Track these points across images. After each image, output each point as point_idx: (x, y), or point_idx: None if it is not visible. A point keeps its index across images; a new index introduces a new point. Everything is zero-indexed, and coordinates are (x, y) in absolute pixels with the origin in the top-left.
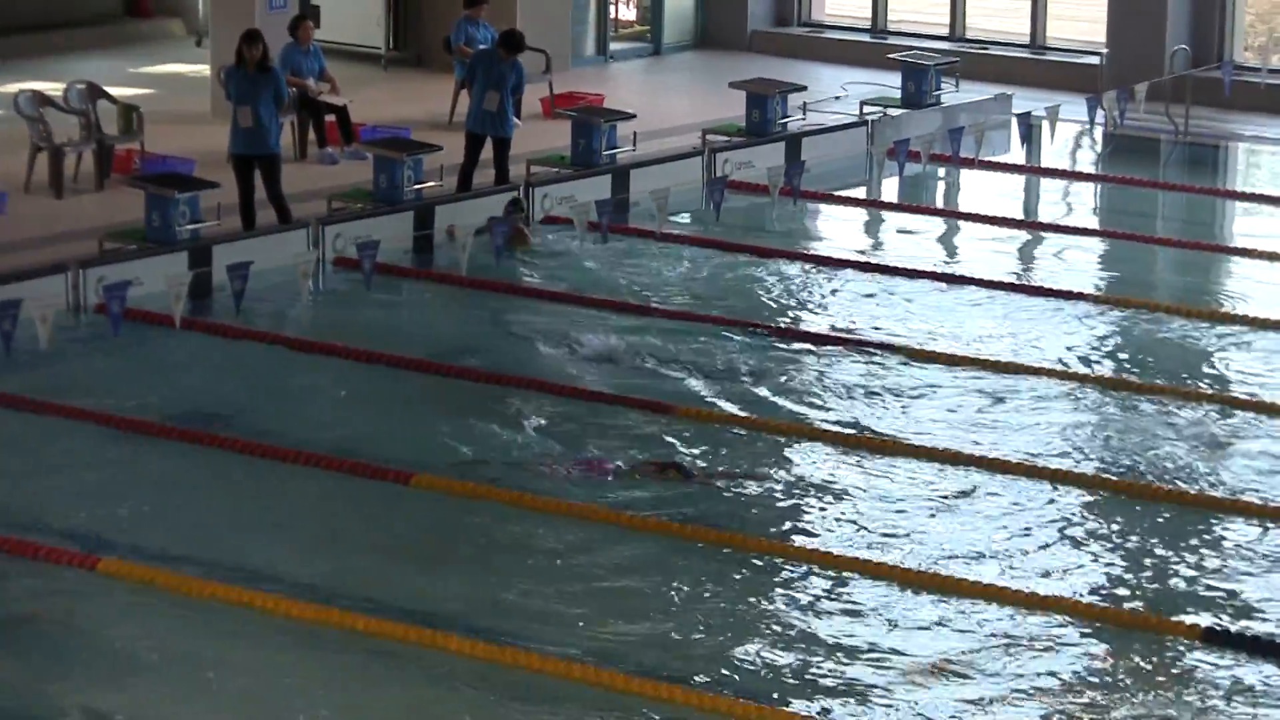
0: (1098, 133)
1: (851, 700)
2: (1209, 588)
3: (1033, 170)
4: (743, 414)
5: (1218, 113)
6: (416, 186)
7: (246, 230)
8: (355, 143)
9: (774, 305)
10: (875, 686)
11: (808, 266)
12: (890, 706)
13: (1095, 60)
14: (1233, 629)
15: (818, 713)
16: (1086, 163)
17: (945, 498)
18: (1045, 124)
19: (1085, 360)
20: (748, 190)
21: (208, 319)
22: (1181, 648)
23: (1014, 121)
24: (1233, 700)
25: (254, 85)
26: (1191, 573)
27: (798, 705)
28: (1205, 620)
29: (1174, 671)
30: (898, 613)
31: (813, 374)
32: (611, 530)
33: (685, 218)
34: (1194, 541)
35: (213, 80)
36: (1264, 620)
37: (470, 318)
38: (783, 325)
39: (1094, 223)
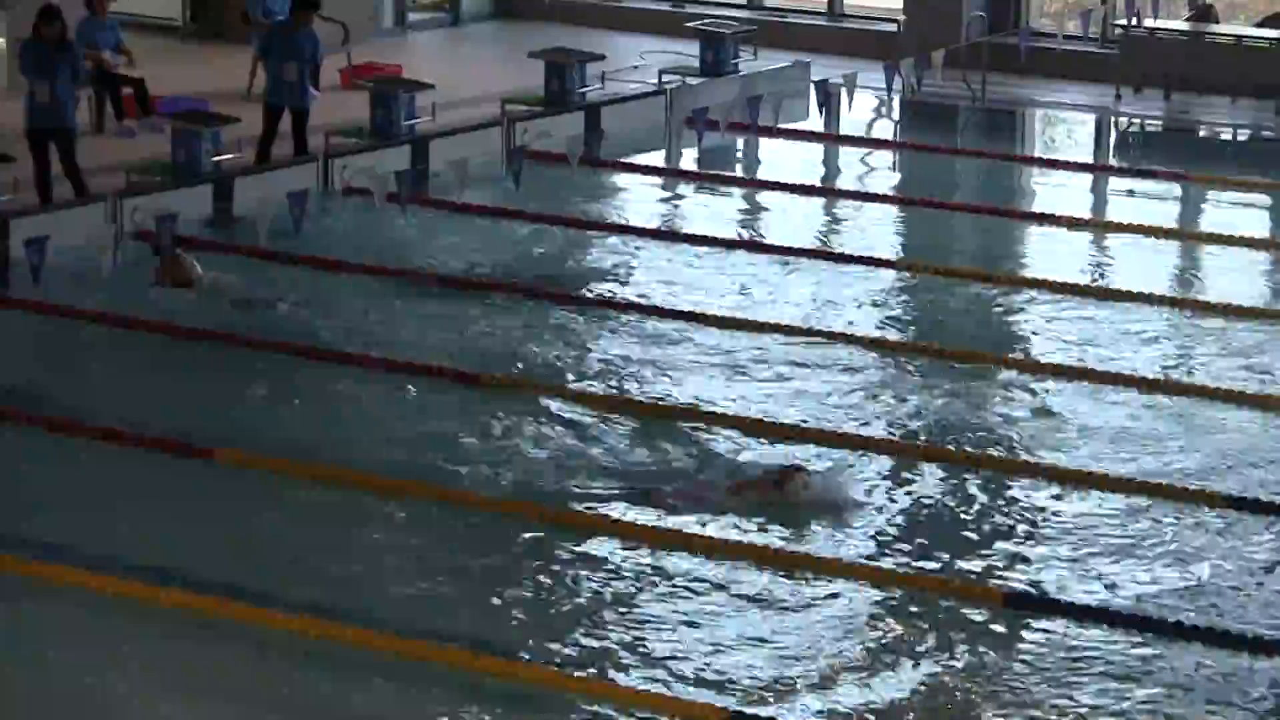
0: (896, 100)
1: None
2: (1008, 552)
3: (831, 138)
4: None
5: (1014, 79)
6: (215, 159)
7: (43, 205)
8: (153, 115)
9: (573, 274)
10: (672, 656)
11: (607, 235)
12: (682, 672)
13: (893, 28)
14: (1033, 593)
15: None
16: (885, 130)
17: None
18: (843, 92)
19: (882, 325)
20: (547, 160)
21: (4, 294)
22: (985, 613)
23: (812, 89)
24: (1034, 664)
25: (51, 61)
26: (991, 537)
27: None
28: (1007, 584)
29: (975, 636)
30: (679, 581)
31: (606, 341)
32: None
33: (484, 188)
34: (991, 505)
35: (8, 54)
36: (1061, 584)
37: (267, 290)
38: (584, 294)
39: (893, 189)
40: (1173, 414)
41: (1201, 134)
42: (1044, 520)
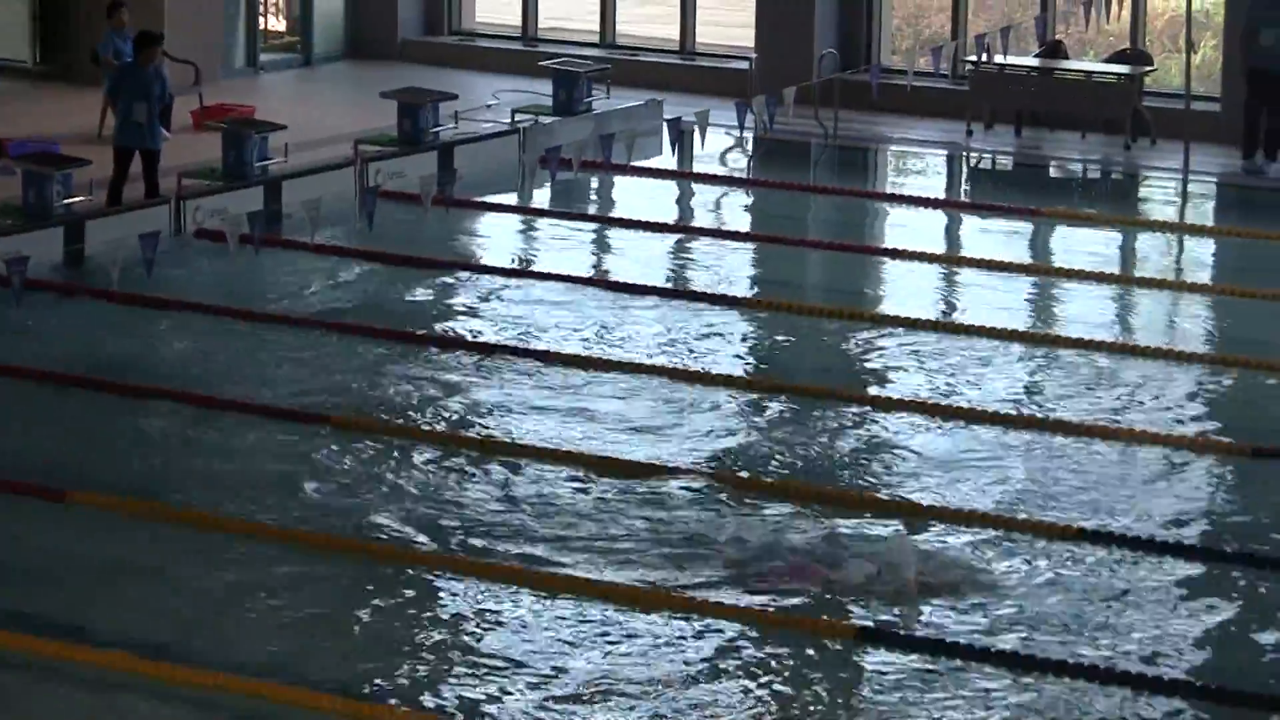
0: (748, 137)
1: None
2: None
3: (684, 175)
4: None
5: (866, 115)
6: (66, 201)
7: None
8: (3, 158)
9: (425, 313)
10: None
11: (461, 275)
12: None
13: (744, 65)
14: (888, 628)
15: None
16: (737, 167)
17: (570, 494)
18: (696, 129)
19: (734, 361)
20: (401, 200)
21: None
22: (838, 646)
23: (665, 127)
24: (889, 694)
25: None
26: (839, 571)
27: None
28: (858, 619)
29: (829, 670)
30: (530, 619)
31: (458, 382)
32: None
33: (338, 228)
34: (836, 539)
35: None
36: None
37: (122, 332)
38: (435, 333)
39: (745, 226)
40: (1024, 446)
41: (1052, 169)
42: (887, 554)
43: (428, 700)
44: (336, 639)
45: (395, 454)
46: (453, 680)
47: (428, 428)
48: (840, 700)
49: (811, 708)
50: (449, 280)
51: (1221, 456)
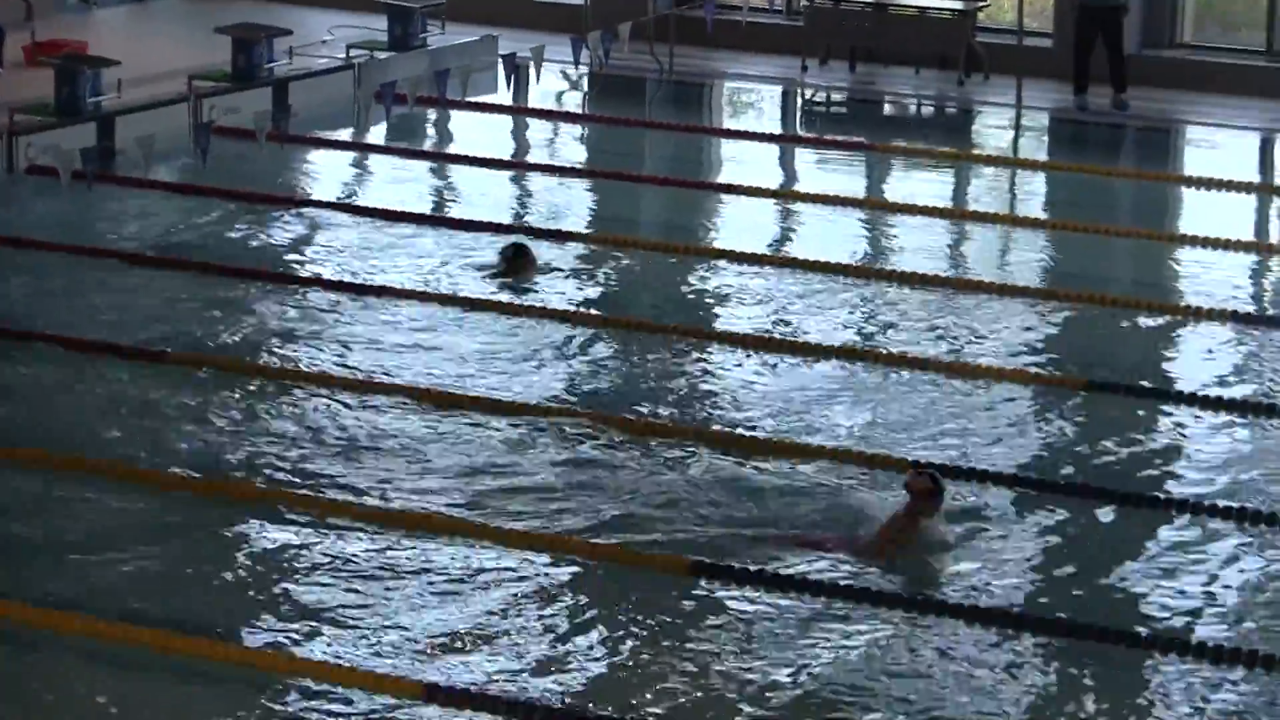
0: (583, 73)
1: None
2: (694, 521)
3: (519, 111)
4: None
5: (701, 51)
6: None
7: None
8: None
9: (260, 250)
10: (359, 630)
11: (295, 210)
12: (371, 646)
13: (580, 1)
14: (720, 561)
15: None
16: (573, 103)
17: (418, 436)
18: (531, 65)
19: (567, 295)
20: (235, 136)
21: None
22: (671, 583)
23: (500, 63)
24: (724, 631)
25: None
26: (674, 508)
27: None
28: (694, 555)
29: (667, 604)
30: (361, 550)
31: (296, 318)
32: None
33: (172, 165)
34: (673, 473)
35: None
36: (743, 552)
37: None
38: (270, 269)
39: (581, 162)
40: (857, 380)
41: (886, 105)
42: (728, 488)
43: (257, 639)
44: (168, 576)
45: (234, 390)
46: (285, 621)
47: (265, 364)
48: (673, 635)
49: (651, 642)
50: (284, 216)
51: (1055, 390)
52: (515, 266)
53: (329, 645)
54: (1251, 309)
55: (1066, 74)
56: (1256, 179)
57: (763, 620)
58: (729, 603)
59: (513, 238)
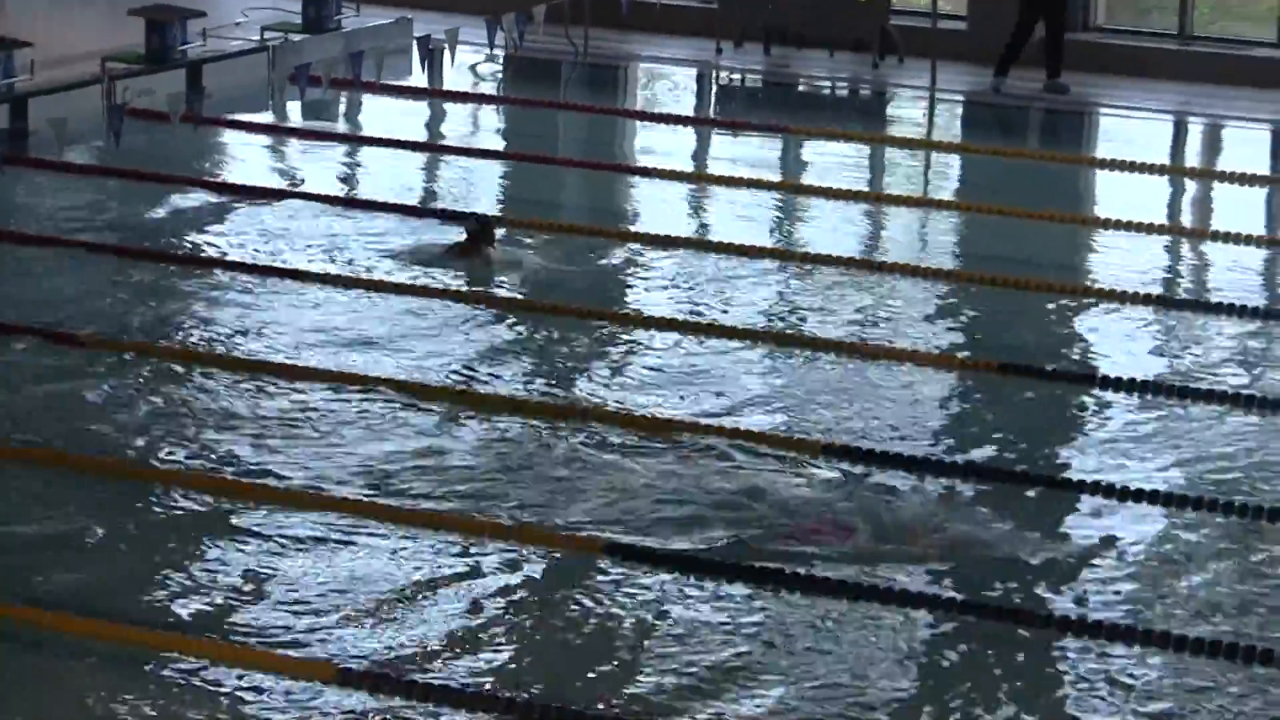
0: (498, 55)
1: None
2: (607, 501)
3: (434, 93)
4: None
5: (617, 34)
6: None
7: None
8: None
9: (173, 232)
10: (273, 612)
11: (210, 194)
12: (284, 628)
13: None
14: (635, 541)
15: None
16: (488, 86)
17: (326, 411)
18: (445, 48)
19: (485, 281)
20: (149, 118)
21: None
22: (584, 563)
23: (415, 45)
24: (640, 609)
25: None
26: (587, 488)
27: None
28: (607, 534)
29: (582, 584)
30: (274, 533)
31: (209, 300)
32: None
33: (85, 147)
34: (588, 455)
35: None
36: (661, 533)
37: None
38: (183, 252)
39: (496, 144)
40: (770, 361)
41: (801, 87)
42: (641, 468)
43: (165, 620)
44: (82, 559)
45: (146, 374)
46: (196, 603)
47: (178, 347)
48: (586, 614)
49: (565, 621)
50: (198, 199)
51: (969, 372)
52: (481, 238)
53: (240, 627)
54: (1163, 291)
55: (981, 57)
56: (1168, 162)
57: (675, 600)
58: (643, 581)
59: (424, 221)
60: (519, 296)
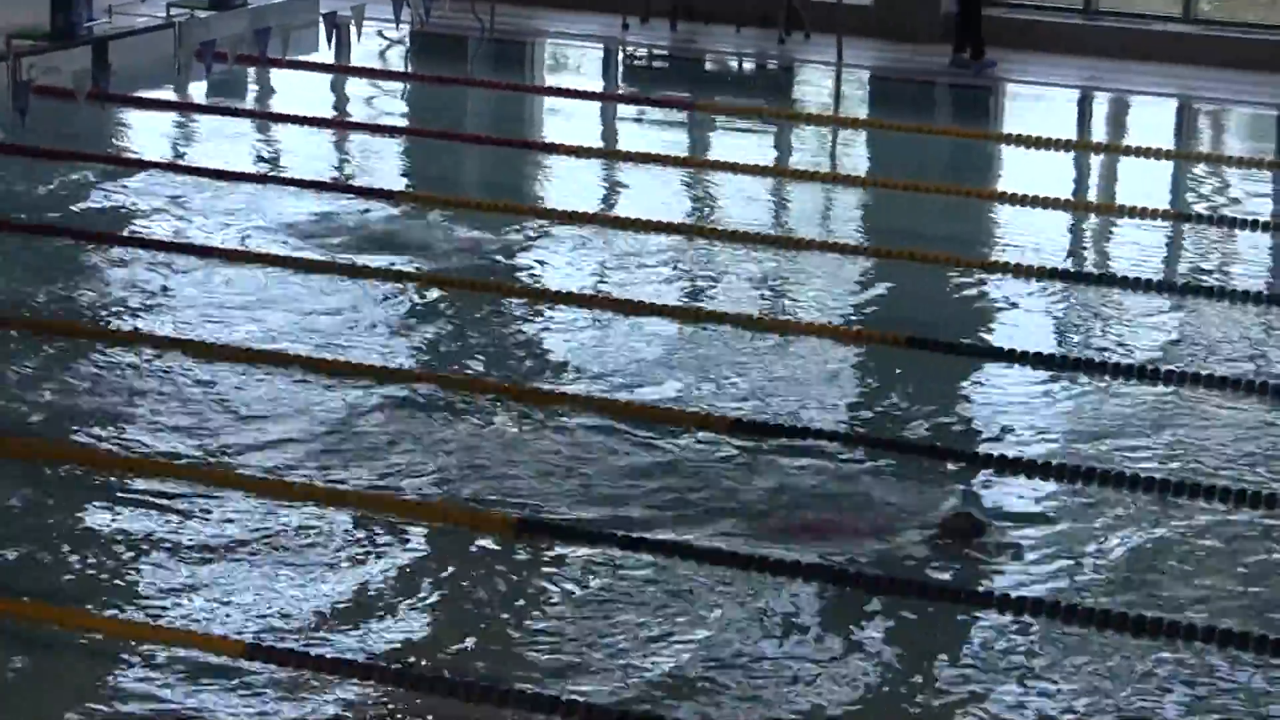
0: (404, 31)
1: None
2: (520, 478)
3: (340, 70)
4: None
5: (523, 10)
6: None
7: None
8: None
9: (81, 210)
10: (182, 591)
11: (116, 170)
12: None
13: None
14: (545, 518)
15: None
16: (395, 61)
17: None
18: (352, 23)
19: (392, 257)
20: (54, 95)
21: None
22: (492, 542)
23: (321, 21)
24: (543, 589)
25: None
26: (501, 467)
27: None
28: (518, 512)
29: (491, 562)
30: (182, 508)
31: (113, 276)
32: None
33: None
34: (500, 433)
35: None
36: (571, 510)
37: None
38: (90, 229)
39: (402, 121)
40: (681, 337)
41: (707, 62)
42: (554, 446)
43: (79, 601)
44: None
45: (60, 354)
46: (110, 583)
47: (90, 326)
48: (497, 591)
49: (475, 598)
50: (105, 177)
51: (876, 347)
52: None
53: (151, 606)
54: (1070, 266)
55: (887, 32)
56: (1074, 136)
57: (592, 576)
58: (553, 559)
59: (332, 196)
60: (426, 271)
